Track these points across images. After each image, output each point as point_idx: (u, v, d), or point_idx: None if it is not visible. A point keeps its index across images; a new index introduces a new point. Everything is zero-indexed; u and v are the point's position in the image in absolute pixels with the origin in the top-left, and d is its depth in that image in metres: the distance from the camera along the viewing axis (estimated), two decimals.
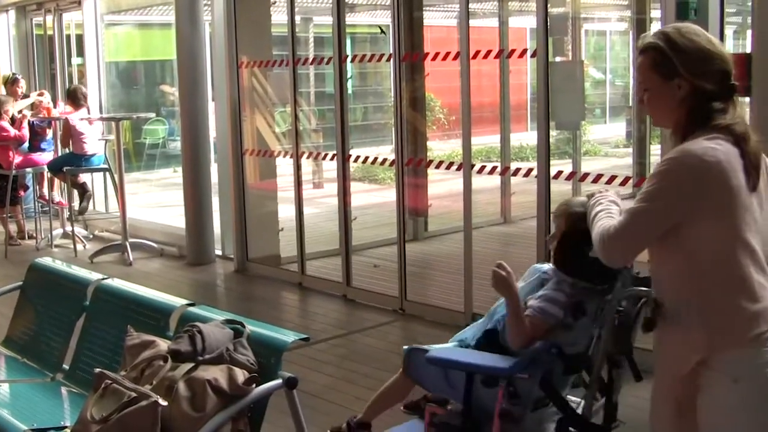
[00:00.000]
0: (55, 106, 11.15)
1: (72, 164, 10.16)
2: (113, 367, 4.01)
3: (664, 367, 2.93)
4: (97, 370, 3.53)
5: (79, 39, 12.34)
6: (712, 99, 2.79)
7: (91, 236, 10.98)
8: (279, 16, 9.19)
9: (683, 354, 2.82)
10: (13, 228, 10.85)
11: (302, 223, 8.17)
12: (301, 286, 8.19)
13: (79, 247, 10.25)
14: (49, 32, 12.72)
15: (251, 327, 3.61)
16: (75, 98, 10.32)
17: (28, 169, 10.61)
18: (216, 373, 3.28)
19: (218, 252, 9.46)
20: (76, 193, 11.00)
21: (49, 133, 10.90)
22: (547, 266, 3.81)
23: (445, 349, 3.83)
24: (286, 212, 8.95)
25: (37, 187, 11.17)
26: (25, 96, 11.22)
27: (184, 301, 4.11)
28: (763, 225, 2.83)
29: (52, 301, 4.86)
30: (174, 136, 14.20)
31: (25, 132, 10.43)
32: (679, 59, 2.78)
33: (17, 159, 10.32)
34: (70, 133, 10.19)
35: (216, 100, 9.26)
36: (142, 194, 13.97)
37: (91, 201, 11.25)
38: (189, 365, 3.36)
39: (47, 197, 11.07)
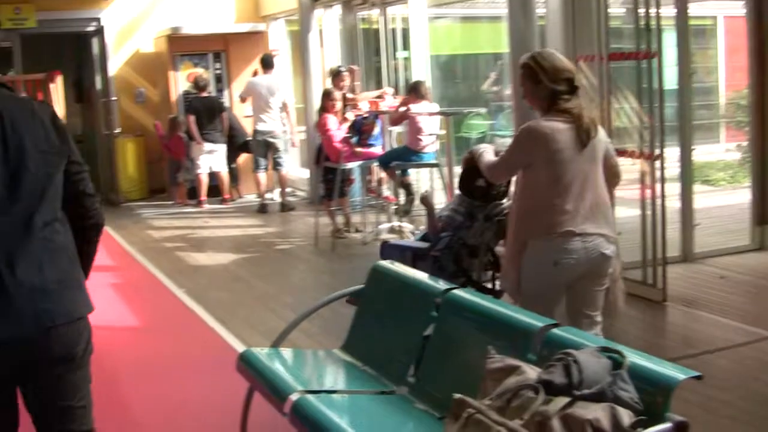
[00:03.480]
0: (382, 96, 11.18)
1: (402, 159, 10.10)
2: (465, 388, 3.71)
3: (508, 245, 5.06)
4: (458, 396, 3.21)
5: (404, 32, 12.34)
6: (561, 94, 4.64)
7: (417, 231, 10.88)
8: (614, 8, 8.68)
9: (516, 238, 4.83)
10: (340, 220, 11.00)
11: (645, 227, 7.55)
12: (644, 296, 7.58)
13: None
14: (374, 26, 12.81)
15: (632, 357, 3.17)
16: (417, 91, 10.23)
17: (357, 163, 10.66)
18: (597, 413, 2.87)
19: None
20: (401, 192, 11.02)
21: (376, 128, 10.90)
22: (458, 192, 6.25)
23: (401, 240, 6.72)
24: (620, 214, 8.39)
25: (366, 180, 11.24)
26: (350, 94, 11.29)
27: (548, 321, 3.73)
28: (594, 172, 4.73)
29: (397, 308, 4.64)
30: (498, 130, 13.94)
31: (341, 131, 10.46)
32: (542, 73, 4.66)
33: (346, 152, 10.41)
34: (403, 119, 10.15)
35: None
36: None
37: (413, 204, 11.21)
38: (564, 400, 2.96)
39: (376, 191, 11.11)
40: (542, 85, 4.64)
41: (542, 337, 3.59)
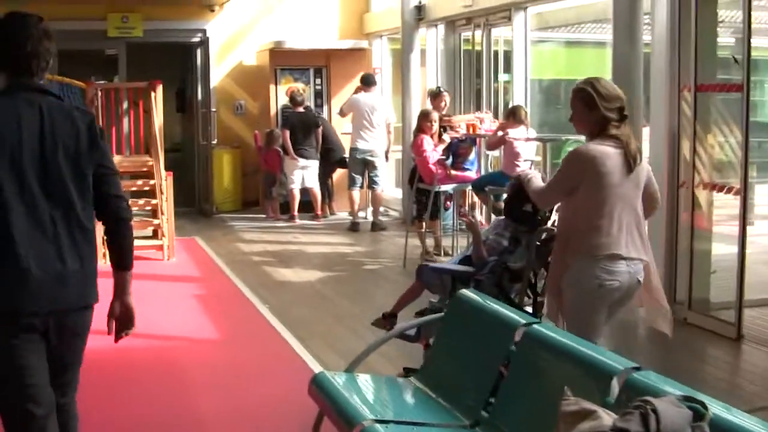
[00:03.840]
0: (481, 120, 11.02)
1: (497, 184, 9.94)
2: (539, 429, 3.55)
3: (552, 268, 5.16)
4: None
5: (507, 55, 12.15)
6: (612, 120, 4.78)
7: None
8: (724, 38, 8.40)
9: (560, 261, 4.94)
10: (430, 243, 10.85)
11: (744, 265, 7.21)
12: (735, 338, 7.27)
13: None
14: (477, 47, 12.65)
15: (714, 408, 2.96)
16: (517, 116, 10.06)
17: (450, 186, 10.50)
18: None
19: None
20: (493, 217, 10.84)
21: (472, 153, 10.74)
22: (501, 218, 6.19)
23: (440, 263, 6.38)
24: (717, 251, 8.09)
25: (458, 204, 11.09)
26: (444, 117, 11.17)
27: (630, 363, 3.52)
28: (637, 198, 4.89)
29: (475, 339, 4.47)
30: None
31: (437, 153, 10.32)
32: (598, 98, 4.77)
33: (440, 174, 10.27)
34: (502, 143, 9.99)
35: (651, 124, 8.56)
36: None
37: None
38: None
39: (467, 215, 10.94)
40: (596, 110, 4.78)
41: (623, 380, 3.39)
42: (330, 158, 14.19)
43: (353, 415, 4.03)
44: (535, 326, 4.10)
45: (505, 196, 6.23)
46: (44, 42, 3.70)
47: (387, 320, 6.18)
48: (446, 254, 10.75)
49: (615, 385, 3.40)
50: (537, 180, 5.25)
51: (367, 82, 13.26)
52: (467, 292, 4.85)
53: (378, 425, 3.87)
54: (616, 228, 4.77)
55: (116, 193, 3.82)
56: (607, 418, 3.04)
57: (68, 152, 3.64)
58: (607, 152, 4.75)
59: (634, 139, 4.88)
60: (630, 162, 4.78)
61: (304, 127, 13.78)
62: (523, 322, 4.19)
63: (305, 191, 14.05)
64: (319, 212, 14.16)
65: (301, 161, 13.74)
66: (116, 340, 3.95)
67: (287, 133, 13.70)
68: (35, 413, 3.65)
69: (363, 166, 13.17)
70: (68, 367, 3.88)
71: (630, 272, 4.81)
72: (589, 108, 4.79)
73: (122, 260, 3.89)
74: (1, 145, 3.54)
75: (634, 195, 4.88)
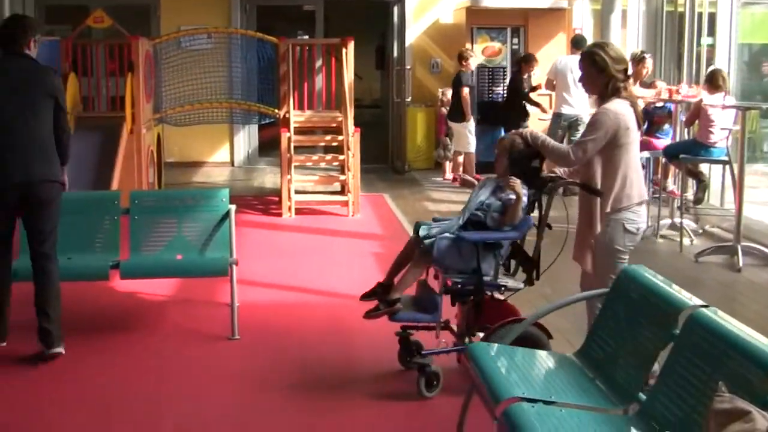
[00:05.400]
0: (677, 89, 10.48)
1: (690, 152, 9.46)
2: (692, 422, 3.29)
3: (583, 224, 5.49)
4: None
5: (711, 17, 11.52)
6: (620, 81, 5.27)
7: (701, 231, 10.16)
8: None
9: (587, 222, 5.40)
10: None
11: None
12: None
13: (686, 241, 9.50)
14: (680, 8, 12.05)
15: None
16: (713, 81, 9.56)
17: (645, 153, 10.04)
18: None
19: None
20: (690, 183, 10.34)
21: (668, 124, 10.26)
22: (493, 177, 5.71)
23: (472, 231, 5.44)
24: None
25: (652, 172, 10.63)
26: (646, 84, 10.73)
27: None
28: None
29: (637, 319, 4.18)
30: None
31: None
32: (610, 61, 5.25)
33: None
34: (697, 116, 9.50)
35: None
36: (764, 189, 12.83)
37: (706, 192, 10.52)
38: None
39: (660, 184, 10.47)
40: (606, 72, 5.26)
41: None
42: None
43: (500, 391, 3.86)
44: (701, 311, 3.78)
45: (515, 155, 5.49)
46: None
47: (384, 301, 5.52)
48: None
49: None
50: (551, 140, 5.48)
51: (576, 43, 12.72)
52: (636, 268, 4.53)
53: (524, 404, 3.68)
54: (640, 177, 5.41)
55: (61, 124, 6.10)
56: (762, 421, 2.76)
57: (38, 95, 6.00)
58: (629, 110, 5.28)
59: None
60: (638, 120, 5.35)
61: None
62: (691, 304, 3.89)
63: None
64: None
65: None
66: None
67: (466, 91, 13.35)
68: None
69: (566, 131, 12.77)
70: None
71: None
72: (600, 70, 5.27)
73: (64, 156, 6.12)
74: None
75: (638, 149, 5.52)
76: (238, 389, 5.60)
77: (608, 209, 5.29)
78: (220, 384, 5.70)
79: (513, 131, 5.71)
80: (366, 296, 5.65)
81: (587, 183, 5.35)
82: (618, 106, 5.25)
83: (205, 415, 5.23)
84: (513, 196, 5.42)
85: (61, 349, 5.98)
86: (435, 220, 5.99)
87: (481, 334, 5.53)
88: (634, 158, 5.35)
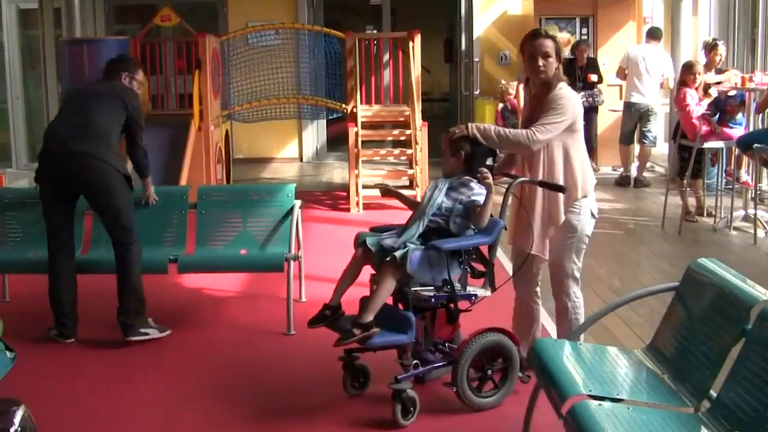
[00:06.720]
0: (750, 78, 10.23)
1: (764, 141, 9.22)
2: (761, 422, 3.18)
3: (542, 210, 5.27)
4: None
5: None
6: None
7: None
8: None
9: (547, 213, 5.25)
10: (691, 202, 10.28)
11: None
12: None
13: (760, 233, 9.27)
14: None
15: None
16: None
17: (716, 143, 9.83)
18: None
19: None
20: (764, 173, 10.10)
21: (741, 113, 10.01)
22: (443, 178, 5.24)
23: (443, 240, 4.99)
24: None
25: (725, 162, 10.41)
26: (720, 71, 10.51)
27: None
28: None
29: (708, 313, 4.07)
30: None
31: (701, 107, 9.70)
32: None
33: (704, 130, 9.65)
34: None
35: None
36: None
37: None
38: None
39: (733, 174, 10.24)
40: (558, 59, 5.23)
41: None
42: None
43: (566, 387, 3.78)
44: None
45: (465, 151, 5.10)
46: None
47: (358, 325, 4.93)
48: (709, 215, 10.15)
49: None
50: (500, 128, 5.19)
51: (651, 34, 12.75)
52: (706, 262, 4.40)
53: (591, 402, 3.60)
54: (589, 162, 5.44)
55: (137, 141, 6.53)
56: None
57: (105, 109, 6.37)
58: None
59: None
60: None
61: None
62: (763, 299, 3.76)
63: None
64: None
65: None
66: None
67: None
68: None
69: (637, 120, 12.70)
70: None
71: None
72: (559, 59, 5.23)
73: (144, 170, 6.73)
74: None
75: None
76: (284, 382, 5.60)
77: (579, 196, 5.19)
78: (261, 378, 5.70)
79: (453, 126, 5.28)
80: (314, 322, 5.12)
81: (548, 180, 5.17)
82: (570, 91, 5.25)
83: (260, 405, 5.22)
84: (477, 198, 5.04)
85: (137, 337, 6.24)
86: (373, 230, 5.51)
87: (448, 346, 5.32)
88: (584, 144, 5.34)
